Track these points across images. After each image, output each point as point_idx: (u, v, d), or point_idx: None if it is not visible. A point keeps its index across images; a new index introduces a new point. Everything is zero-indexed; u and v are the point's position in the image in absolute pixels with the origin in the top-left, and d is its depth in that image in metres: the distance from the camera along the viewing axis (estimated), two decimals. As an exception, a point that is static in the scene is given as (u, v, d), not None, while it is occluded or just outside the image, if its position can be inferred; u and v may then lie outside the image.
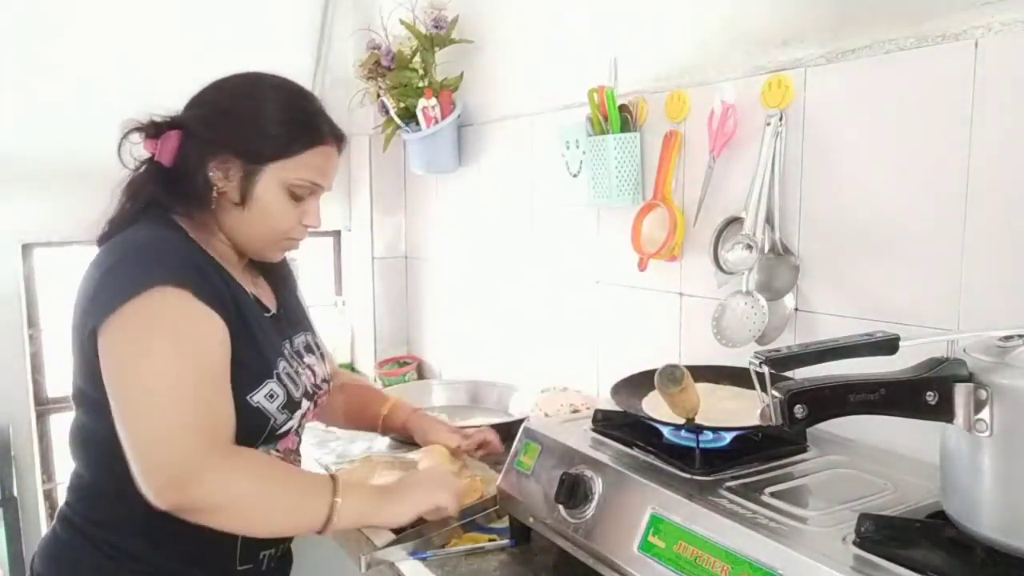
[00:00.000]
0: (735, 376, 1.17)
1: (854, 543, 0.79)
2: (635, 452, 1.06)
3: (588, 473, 1.03)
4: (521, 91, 1.88)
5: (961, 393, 0.75)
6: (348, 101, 2.20)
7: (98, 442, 1.08)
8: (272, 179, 1.13)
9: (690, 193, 1.43)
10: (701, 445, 1.01)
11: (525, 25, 1.85)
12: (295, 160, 1.13)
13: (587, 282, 1.71)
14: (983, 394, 0.74)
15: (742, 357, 0.90)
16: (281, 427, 1.15)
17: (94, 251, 1.13)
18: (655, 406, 1.11)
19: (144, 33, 2.10)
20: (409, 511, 1.14)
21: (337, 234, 2.61)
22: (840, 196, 1.20)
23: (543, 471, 1.10)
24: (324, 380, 1.30)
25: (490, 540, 1.20)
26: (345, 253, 2.61)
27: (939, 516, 0.83)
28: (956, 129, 1.04)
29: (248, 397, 1.10)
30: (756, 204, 1.25)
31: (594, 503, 1.00)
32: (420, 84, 2.02)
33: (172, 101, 1.17)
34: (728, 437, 1.05)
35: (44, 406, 2.15)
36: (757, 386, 0.78)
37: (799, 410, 0.75)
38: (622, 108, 1.50)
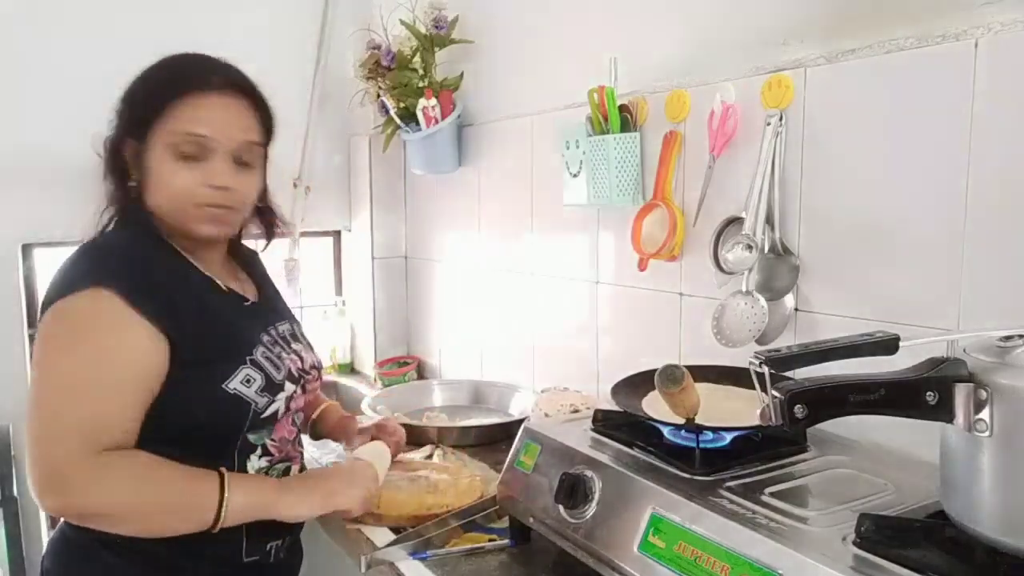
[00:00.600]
0: (735, 376, 1.17)
1: (854, 543, 0.79)
2: (635, 452, 1.06)
3: (588, 473, 1.03)
4: (521, 91, 1.88)
5: (961, 393, 0.75)
6: (348, 101, 2.21)
7: None
8: (157, 146, 1.11)
9: (690, 193, 1.43)
10: (701, 445, 1.01)
11: (525, 25, 1.86)
12: (168, 117, 1.10)
13: (587, 282, 1.71)
14: (983, 394, 0.74)
15: (742, 357, 0.90)
16: (264, 410, 1.14)
17: None
18: (655, 406, 1.11)
19: (144, 33, 2.10)
20: (307, 509, 1.13)
21: (337, 234, 2.61)
22: (840, 196, 1.20)
23: (543, 471, 1.10)
24: (313, 367, 1.31)
25: (490, 540, 1.20)
26: (345, 253, 2.61)
27: (939, 516, 0.83)
28: (956, 129, 1.04)
29: (224, 385, 1.10)
30: (756, 204, 1.25)
31: (594, 503, 1.00)
32: (420, 84, 2.02)
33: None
34: (728, 437, 1.05)
35: (44, 406, 2.15)
36: (757, 386, 0.78)
37: (799, 410, 0.75)
38: (622, 108, 1.50)
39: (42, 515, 2.10)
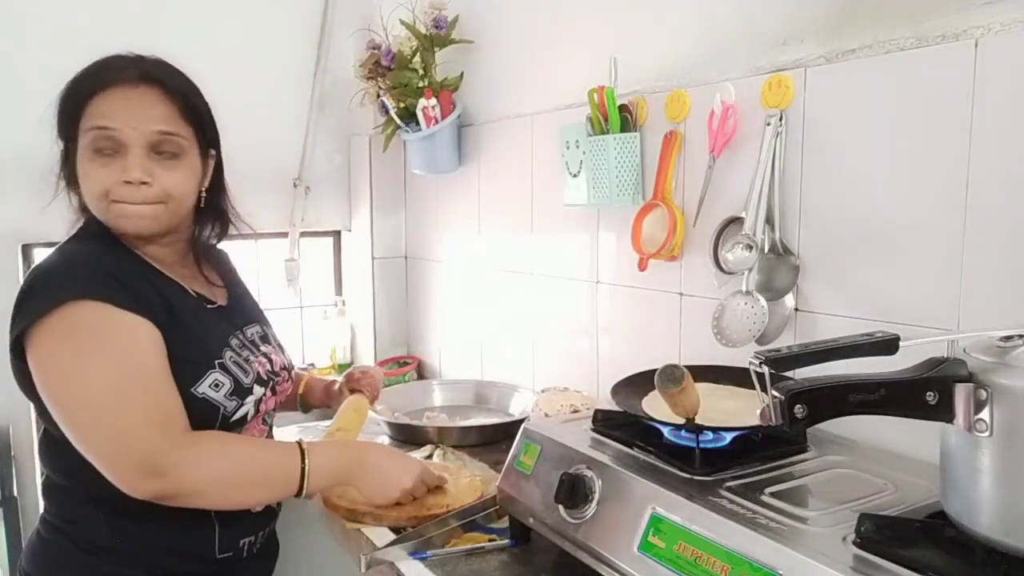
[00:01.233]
0: (735, 376, 1.17)
1: (854, 543, 0.79)
2: (635, 452, 1.06)
3: (588, 473, 1.03)
4: (521, 91, 1.88)
5: (961, 393, 0.75)
6: (348, 101, 2.21)
7: (54, 441, 1.10)
8: (80, 148, 1.12)
9: (690, 193, 1.43)
10: (701, 445, 1.01)
11: (525, 25, 1.86)
12: (83, 117, 1.11)
13: (587, 282, 1.71)
14: (983, 394, 0.74)
15: (742, 357, 0.90)
16: (233, 414, 1.16)
17: None
18: (655, 406, 1.11)
19: (144, 33, 2.10)
20: (376, 491, 1.21)
21: (337, 234, 2.61)
22: (840, 196, 1.20)
23: (543, 471, 1.10)
24: (283, 368, 1.32)
25: (490, 540, 1.20)
26: (345, 253, 2.61)
27: (939, 516, 0.83)
28: (956, 129, 1.04)
29: (192, 389, 1.11)
30: (756, 204, 1.25)
31: (594, 503, 1.00)
32: (420, 84, 2.02)
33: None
34: (728, 437, 1.05)
35: (44, 406, 2.15)
36: (757, 386, 0.78)
37: (799, 410, 0.75)
38: (622, 108, 1.50)
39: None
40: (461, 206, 2.16)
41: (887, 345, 0.82)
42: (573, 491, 1.01)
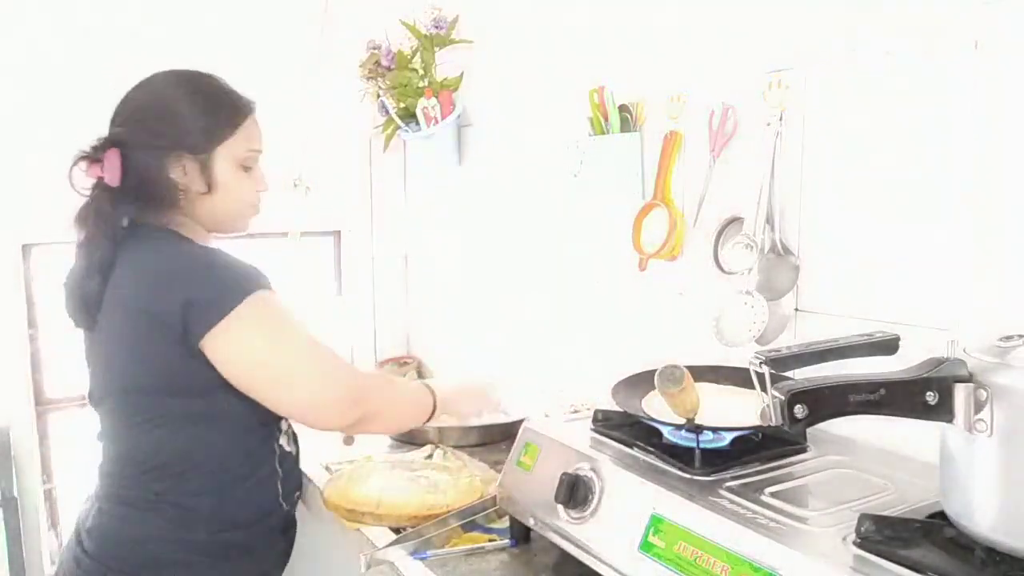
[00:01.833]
0: (735, 376, 1.17)
1: (854, 543, 0.79)
2: (635, 452, 1.06)
3: (588, 473, 1.03)
4: (521, 91, 1.88)
5: (961, 393, 0.75)
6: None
7: (170, 423, 1.19)
8: (225, 160, 1.24)
9: (690, 193, 1.43)
10: (701, 445, 1.01)
11: (525, 25, 1.85)
12: (236, 137, 1.24)
13: (587, 282, 1.71)
14: (983, 394, 0.74)
15: (742, 357, 0.90)
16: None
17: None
18: (655, 406, 1.11)
19: (144, 34, 2.10)
20: (470, 410, 1.50)
21: (337, 234, 2.61)
22: (840, 196, 1.20)
23: (543, 471, 1.10)
24: None
25: (490, 540, 1.20)
26: (345, 253, 2.60)
27: (939, 516, 0.83)
28: (956, 129, 1.04)
29: None
30: (756, 204, 1.25)
31: (594, 503, 1.00)
32: (420, 84, 2.01)
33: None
34: (728, 437, 1.05)
35: (44, 406, 2.14)
36: (757, 386, 0.78)
37: (799, 410, 0.75)
38: (622, 108, 1.50)
39: (42, 515, 2.09)
40: (461, 206, 2.16)
41: (887, 345, 0.82)
42: (573, 491, 1.01)
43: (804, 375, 0.79)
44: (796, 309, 1.27)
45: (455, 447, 1.60)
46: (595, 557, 0.97)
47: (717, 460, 1.01)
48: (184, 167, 1.21)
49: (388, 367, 2.35)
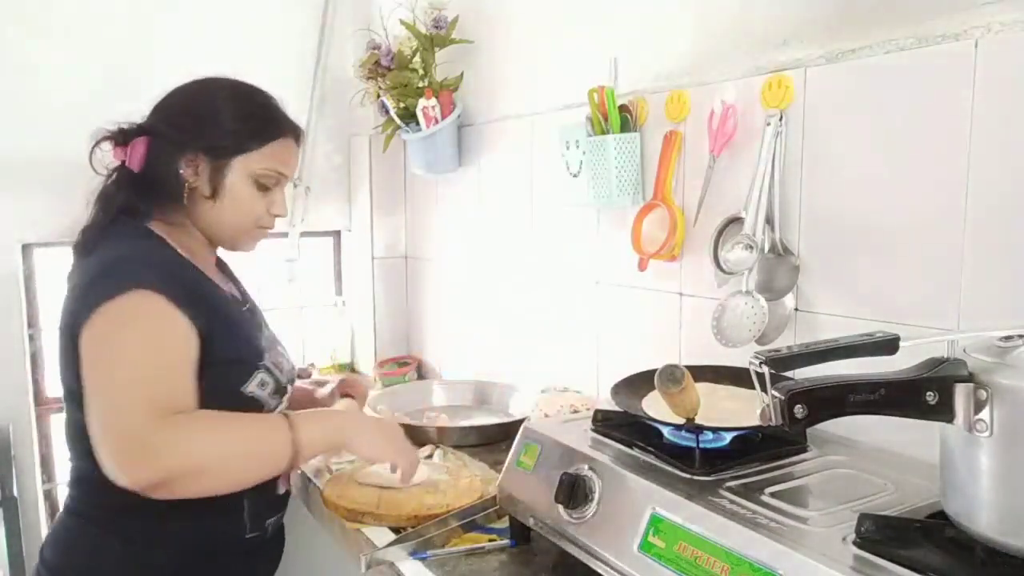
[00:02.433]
0: (735, 376, 1.17)
1: (854, 543, 0.79)
2: (635, 452, 1.06)
3: (588, 473, 1.03)
4: (521, 91, 1.88)
5: (961, 393, 0.75)
6: (348, 101, 2.21)
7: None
8: (240, 171, 1.20)
9: (690, 193, 1.43)
10: (701, 445, 1.01)
11: (525, 25, 1.85)
12: (260, 152, 1.21)
13: (587, 282, 1.71)
14: (983, 394, 0.74)
15: (742, 357, 0.90)
16: (274, 412, 1.21)
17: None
18: (655, 406, 1.11)
19: (144, 34, 2.10)
20: (375, 450, 1.20)
21: (337, 234, 2.61)
22: (840, 196, 1.20)
23: (543, 471, 1.10)
24: (292, 368, 1.36)
25: (490, 540, 1.20)
26: (345, 253, 2.61)
27: (939, 516, 0.83)
28: (956, 129, 1.04)
29: (242, 389, 1.16)
30: (756, 204, 1.25)
31: (594, 503, 1.00)
32: (420, 84, 2.02)
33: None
34: (728, 437, 1.05)
35: (44, 406, 2.15)
36: (757, 386, 0.78)
37: (799, 410, 0.75)
38: (622, 108, 1.50)
39: (42, 514, 2.10)
40: (461, 206, 2.16)
41: (887, 345, 0.82)
42: (573, 491, 1.01)
43: (804, 375, 0.79)
44: (796, 309, 1.27)
45: (455, 447, 1.60)
46: (595, 557, 0.97)
47: (717, 460, 1.01)
48: (197, 166, 1.19)
49: (388, 367, 2.35)
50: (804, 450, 1.07)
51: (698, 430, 1.02)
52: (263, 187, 1.23)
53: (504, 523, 1.21)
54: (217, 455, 1.05)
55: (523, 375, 1.94)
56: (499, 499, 1.19)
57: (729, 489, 0.94)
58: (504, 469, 1.18)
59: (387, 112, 2.09)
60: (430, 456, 1.54)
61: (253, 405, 1.17)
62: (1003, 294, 1.01)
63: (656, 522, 0.91)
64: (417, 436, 1.66)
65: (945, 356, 0.78)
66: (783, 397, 0.75)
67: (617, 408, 1.15)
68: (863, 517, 0.80)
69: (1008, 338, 0.76)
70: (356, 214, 2.50)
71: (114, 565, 1.14)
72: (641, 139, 1.51)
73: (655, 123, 1.49)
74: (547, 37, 1.79)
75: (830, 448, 1.08)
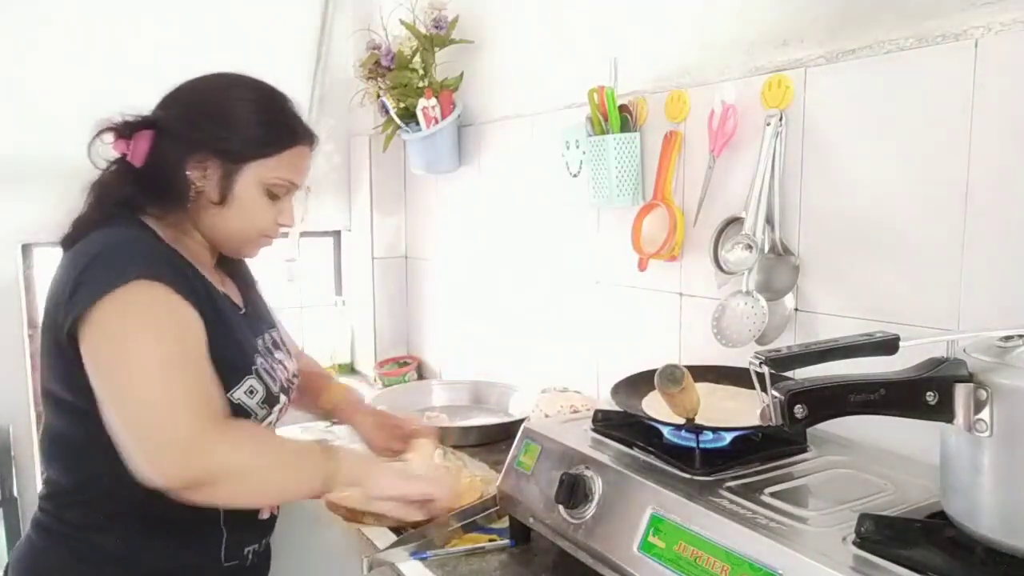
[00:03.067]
0: (735, 376, 1.17)
1: (854, 543, 0.79)
2: (635, 452, 1.06)
3: (588, 473, 1.03)
4: (521, 91, 1.88)
5: (961, 393, 0.75)
6: (348, 101, 2.21)
7: (71, 445, 1.08)
8: (251, 178, 1.14)
9: (690, 193, 1.43)
10: (701, 445, 1.01)
11: (525, 25, 1.85)
12: (274, 160, 1.15)
13: (587, 282, 1.71)
14: (983, 394, 0.74)
15: (742, 357, 0.90)
16: (261, 422, 1.17)
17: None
18: (655, 406, 1.11)
19: (144, 34, 2.10)
20: (401, 488, 1.15)
21: (337, 234, 2.61)
22: (840, 196, 1.20)
23: (543, 471, 1.10)
24: (294, 375, 1.32)
25: (490, 540, 1.20)
26: (345, 253, 2.61)
27: (939, 516, 0.83)
28: (956, 129, 1.04)
29: (229, 394, 1.11)
30: (756, 204, 1.25)
31: (594, 503, 1.00)
32: (420, 84, 2.02)
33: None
34: (728, 437, 1.05)
35: (44, 406, 2.15)
36: (757, 386, 0.78)
37: (799, 410, 0.75)
38: (622, 108, 1.50)
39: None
40: (461, 206, 2.16)
41: (887, 345, 0.82)
42: (573, 491, 1.01)
43: (804, 375, 0.79)
44: (796, 309, 1.27)
45: (455, 447, 1.60)
46: (595, 557, 0.97)
47: (717, 460, 1.00)
48: (206, 170, 1.12)
49: (388, 367, 2.35)
50: (804, 450, 1.07)
51: (698, 430, 1.02)
52: (273, 196, 1.17)
53: (504, 523, 1.21)
54: (260, 466, 1.05)
55: (523, 375, 1.94)
56: (499, 499, 1.19)
57: (729, 489, 0.94)
58: (504, 469, 1.18)
59: (387, 112, 2.09)
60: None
61: (238, 413, 1.12)
62: (1003, 294, 1.01)
63: (656, 522, 0.91)
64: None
65: (945, 356, 0.78)
66: (783, 397, 0.75)
67: (617, 408, 1.15)
68: (863, 517, 0.80)
69: (1008, 338, 0.76)
70: (356, 214, 2.50)
71: None
72: (641, 139, 1.51)
73: (655, 123, 1.49)
74: (547, 37, 1.79)
75: (830, 448, 1.08)
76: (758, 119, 1.27)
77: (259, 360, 1.18)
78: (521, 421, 1.26)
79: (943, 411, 0.76)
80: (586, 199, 1.57)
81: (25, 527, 1.99)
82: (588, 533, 0.99)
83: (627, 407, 1.13)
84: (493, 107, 1.99)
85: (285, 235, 2.35)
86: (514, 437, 1.19)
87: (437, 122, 1.99)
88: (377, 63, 2.06)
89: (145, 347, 1.01)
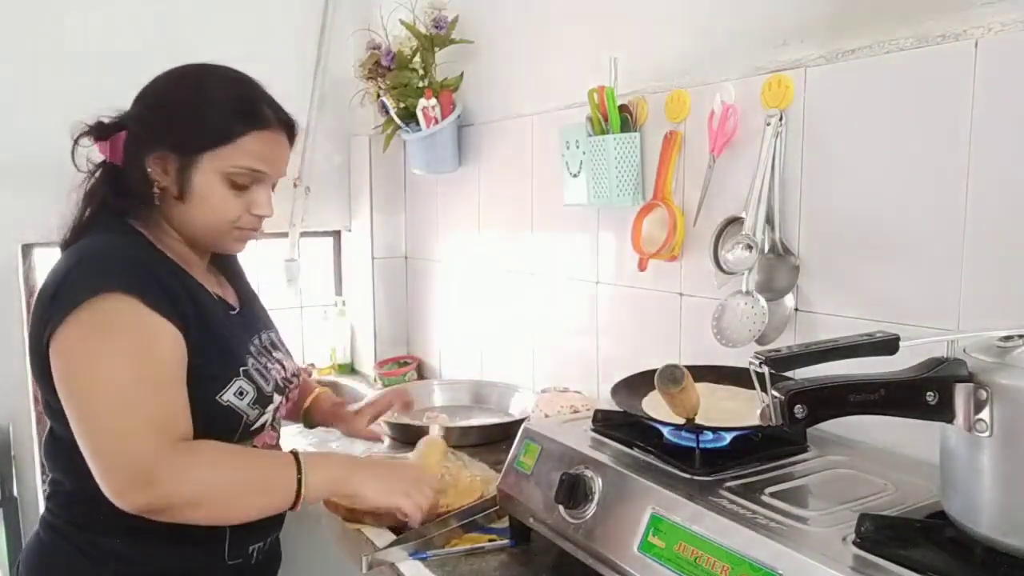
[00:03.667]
0: (735, 376, 1.17)
1: (854, 543, 0.79)
2: (635, 452, 1.06)
3: (588, 473, 1.03)
4: (521, 91, 1.88)
5: (961, 393, 0.75)
6: (348, 101, 2.21)
7: (70, 447, 1.07)
8: (208, 169, 1.11)
9: (690, 193, 1.43)
10: (701, 445, 1.01)
11: (525, 25, 1.85)
12: (231, 148, 1.11)
13: (587, 282, 1.71)
14: (983, 394, 0.74)
15: (742, 357, 0.90)
16: (255, 423, 1.16)
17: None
18: (655, 406, 1.11)
19: (143, 33, 2.10)
20: (374, 493, 1.15)
21: (337, 234, 2.61)
22: (840, 196, 1.20)
23: (543, 471, 1.10)
24: (294, 374, 1.31)
25: (490, 540, 1.20)
26: (345, 253, 2.61)
27: (939, 516, 0.83)
28: (956, 129, 1.04)
29: (217, 397, 1.11)
30: (756, 204, 1.25)
31: (594, 503, 1.00)
32: (420, 84, 2.02)
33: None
34: (728, 437, 1.05)
35: (44, 406, 2.15)
36: (757, 386, 0.78)
37: (799, 410, 0.75)
38: (622, 108, 1.50)
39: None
40: (461, 206, 2.16)
41: (887, 345, 0.82)
42: (573, 491, 1.01)
43: (804, 375, 0.79)
44: (796, 309, 1.27)
45: (455, 447, 1.59)
46: (595, 557, 0.97)
47: (717, 460, 1.01)
48: (165, 165, 1.11)
49: (388, 367, 2.35)
50: (804, 450, 1.07)
51: (698, 430, 1.02)
52: (238, 186, 1.12)
53: (504, 523, 1.21)
54: (219, 490, 1.04)
55: (523, 375, 1.94)
56: (499, 499, 1.19)
57: (729, 489, 0.94)
58: (504, 469, 1.18)
59: (387, 112, 2.09)
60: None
61: (229, 415, 1.11)
62: (1003, 294, 1.01)
63: (656, 522, 0.91)
64: (417, 436, 1.66)
65: (945, 356, 0.78)
66: (783, 397, 0.75)
67: (617, 408, 1.15)
68: (863, 517, 0.80)
69: (1008, 338, 0.76)
70: (356, 214, 2.50)
71: None
72: (641, 139, 1.51)
73: (655, 123, 1.49)
74: (547, 37, 1.79)
75: (830, 448, 1.08)
76: (758, 119, 1.27)
77: (250, 361, 1.17)
78: (521, 421, 1.26)
79: (943, 411, 0.76)
80: (586, 199, 1.57)
81: (25, 527, 2.00)
82: (588, 533, 0.99)
83: (627, 407, 1.13)
84: (493, 107, 2.00)
85: (285, 234, 2.35)
86: (514, 437, 1.19)
87: (437, 122, 1.99)
88: (377, 63, 2.06)
89: (105, 371, 1.01)
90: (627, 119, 1.51)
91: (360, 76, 2.10)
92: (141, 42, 2.08)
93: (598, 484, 1.01)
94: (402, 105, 2.05)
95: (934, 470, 0.84)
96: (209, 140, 1.10)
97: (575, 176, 1.64)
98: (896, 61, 1.11)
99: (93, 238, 1.11)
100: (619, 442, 1.10)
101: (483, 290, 2.10)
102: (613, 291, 1.65)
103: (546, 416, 1.55)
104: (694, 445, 1.01)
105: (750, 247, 1.25)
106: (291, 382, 1.28)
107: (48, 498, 1.17)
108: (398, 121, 2.07)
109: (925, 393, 0.76)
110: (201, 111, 1.11)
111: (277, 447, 1.28)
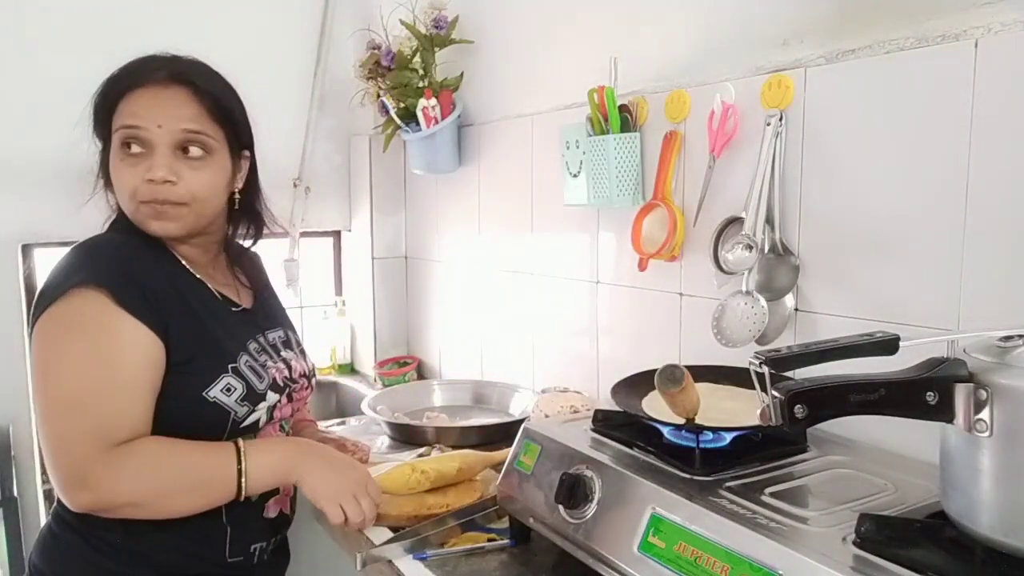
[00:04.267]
0: (735, 376, 1.17)
1: (854, 543, 0.79)
2: (635, 452, 1.06)
3: (588, 473, 1.03)
4: (521, 91, 1.88)
5: (961, 393, 0.75)
6: (348, 101, 2.21)
7: None
8: (112, 149, 1.13)
9: (690, 193, 1.43)
10: (701, 445, 1.01)
11: (525, 25, 1.85)
12: (115, 120, 1.12)
13: (587, 282, 1.71)
14: (983, 394, 0.74)
15: (742, 357, 0.89)
16: (244, 420, 1.15)
17: None
18: (655, 406, 1.11)
19: (143, 34, 2.10)
20: (324, 493, 1.13)
21: (337, 234, 2.61)
22: (840, 196, 1.20)
23: (543, 471, 1.10)
24: (302, 375, 1.30)
25: (490, 540, 1.20)
26: (345, 253, 2.61)
27: (939, 516, 0.83)
28: (956, 129, 1.04)
29: (204, 393, 1.11)
30: (756, 204, 1.25)
31: (594, 503, 1.00)
32: (420, 84, 2.02)
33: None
34: (728, 437, 1.05)
35: (44, 406, 2.15)
36: (757, 386, 0.78)
37: (799, 410, 0.75)
38: (622, 108, 1.50)
39: (42, 514, 2.10)
40: (461, 206, 2.16)
41: (887, 345, 0.82)
42: (573, 491, 1.01)
43: (804, 375, 0.79)
44: (796, 309, 1.27)
45: (455, 447, 1.59)
46: (595, 557, 0.97)
47: (717, 460, 1.01)
48: (102, 157, 1.17)
49: (388, 367, 2.35)
50: (804, 450, 1.07)
51: (698, 430, 1.02)
52: (131, 153, 1.10)
53: (504, 523, 1.21)
54: (154, 491, 1.06)
55: (523, 375, 1.94)
56: (499, 499, 1.19)
57: (729, 489, 0.94)
58: (504, 469, 1.18)
59: (387, 112, 2.09)
60: (424, 455, 1.53)
61: (215, 410, 1.11)
62: (1003, 294, 1.01)
63: (656, 522, 0.91)
64: (417, 436, 1.66)
65: (945, 356, 0.78)
66: (783, 397, 0.75)
67: (617, 408, 1.15)
68: (863, 517, 0.80)
69: (1008, 338, 0.76)
70: (356, 214, 2.50)
71: (70, 573, 1.14)
72: (641, 139, 1.51)
73: (655, 123, 1.49)
74: (547, 37, 1.79)
75: (830, 448, 1.08)
76: (758, 119, 1.27)
77: (243, 358, 1.17)
78: (521, 421, 1.26)
79: (943, 411, 0.76)
80: (586, 199, 1.57)
81: (25, 527, 2.00)
82: (588, 533, 0.99)
83: (627, 407, 1.13)
84: (493, 107, 2.00)
85: (285, 234, 2.35)
86: (514, 437, 1.19)
87: (437, 122, 1.99)
88: (377, 63, 2.06)
89: (56, 374, 1.03)
90: (627, 119, 1.51)
91: (360, 76, 2.10)
92: (141, 43, 2.08)
93: (598, 484, 1.01)
94: (402, 105, 2.05)
95: (934, 470, 0.84)
96: (104, 116, 1.13)
97: (575, 176, 1.64)
98: (896, 61, 1.11)
99: (95, 236, 1.15)
100: (619, 442, 1.10)
101: (483, 290, 2.10)
102: (613, 291, 1.65)
103: (546, 416, 1.55)
104: (694, 445, 1.01)
105: (750, 247, 1.25)
106: (296, 382, 1.28)
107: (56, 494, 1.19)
108: (398, 121, 2.07)
109: (925, 393, 0.76)
110: (97, 94, 1.14)
111: None
